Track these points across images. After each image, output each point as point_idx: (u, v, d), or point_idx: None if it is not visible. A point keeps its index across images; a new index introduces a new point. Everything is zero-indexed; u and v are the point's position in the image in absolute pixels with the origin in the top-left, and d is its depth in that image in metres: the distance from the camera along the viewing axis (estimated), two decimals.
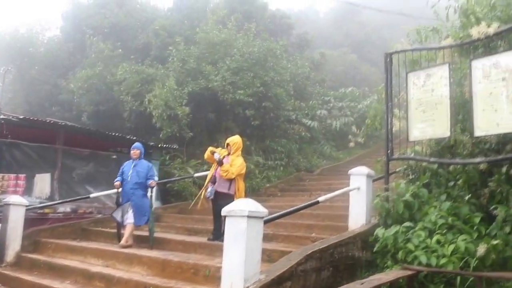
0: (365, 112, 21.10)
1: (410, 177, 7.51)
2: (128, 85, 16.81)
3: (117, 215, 8.67)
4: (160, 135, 15.06)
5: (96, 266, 7.48)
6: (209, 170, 9.28)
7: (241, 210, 4.81)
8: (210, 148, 8.60)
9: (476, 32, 5.88)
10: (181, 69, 16.75)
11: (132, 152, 8.98)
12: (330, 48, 33.36)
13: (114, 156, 13.26)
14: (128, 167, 8.91)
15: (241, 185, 8.39)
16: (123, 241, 8.27)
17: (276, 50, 18.67)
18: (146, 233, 8.70)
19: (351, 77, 30.83)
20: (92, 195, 10.54)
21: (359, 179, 7.46)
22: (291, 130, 19.28)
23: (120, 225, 8.71)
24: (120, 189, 8.85)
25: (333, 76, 28.34)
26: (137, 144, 9.22)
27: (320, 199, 7.33)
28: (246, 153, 12.87)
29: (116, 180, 8.88)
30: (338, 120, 21.53)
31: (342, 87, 25.19)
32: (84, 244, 8.83)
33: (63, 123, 13.44)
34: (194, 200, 8.97)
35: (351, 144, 21.08)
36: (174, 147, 14.99)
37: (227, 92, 15.96)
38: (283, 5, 42.25)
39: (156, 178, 10.42)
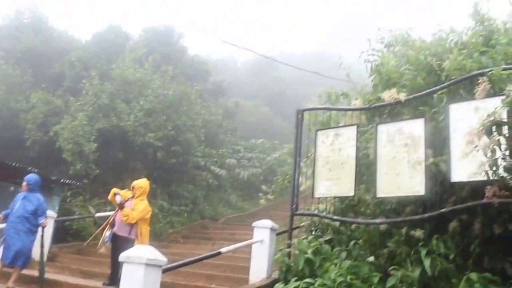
0: (273, 165, 21.43)
1: (314, 232, 7.58)
2: (35, 114, 16.06)
3: None
4: (69, 171, 14.42)
5: None
6: (113, 210, 8.90)
7: (139, 257, 4.58)
8: (114, 190, 8.26)
9: (385, 97, 6.14)
10: (93, 104, 16.27)
11: (23, 183, 8.35)
12: (245, 98, 33.90)
13: (12, 188, 12.43)
14: (18, 199, 8.23)
15: (144, 229, 8.06)
16: (9, 283, 7.56)
17: (191, 94, 18.69)
18: (37, 273, 8.06)
19: (263, 128, 31.37)
20: None
21: (262, 232, 7.44)
22: (199, 176, 19.13)
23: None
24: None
25: (245, 126, 28.70)
26: (29, 175, 8.49)
27: (223, 250, 7.20)
28: (151, 196, 12.53)
29: (3, 212, 8.15)
30: (246, 171, 21.66)
31: (254, 138, 25.52)
32: None
33: None
34: (89, 240, 8.52)
35: (262, 201, 21.20)
36: (78, 183, 14.34)
37: (138, 134, 15.67)
38: (203, 51, 42.83)
39: (50, 213, 9.76)
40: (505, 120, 3.96)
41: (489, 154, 4.06)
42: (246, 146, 23.78)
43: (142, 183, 8.37)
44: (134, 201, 8.10)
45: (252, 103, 34.70)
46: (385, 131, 6.03)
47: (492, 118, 3.98)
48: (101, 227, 8.27)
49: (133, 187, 8.30)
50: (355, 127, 6.58)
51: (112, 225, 8.05)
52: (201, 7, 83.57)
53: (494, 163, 4.09)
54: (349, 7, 77.34)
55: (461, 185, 5.05)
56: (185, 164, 17.99)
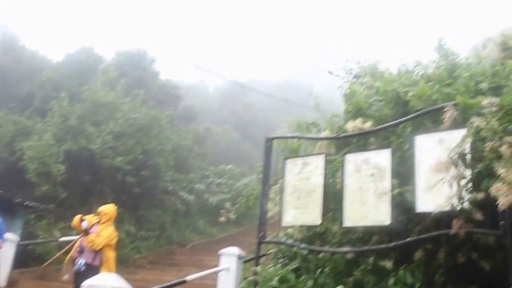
0: (242, 191, 21.39)
1: (281, 260, 7.55)
2: (1, 134, 15.77)
3: None
4: (35, 192, 14.12)
5: None
6: (79, 234, 8.73)
7: (104, 285, 4.49)
8: (79, 216, 8.11)
9: (352, 126, 6.25)
10: (62, 125, 16.06)
11: None
12: (215, 124, 33.93)
13: None
14: None
15: (110, 256, 7.91)
16: None
17: (161, 119, 18.64)
18: None
19: (232, 154, 31.36)
20: None
21: (229, 259, 7.39)
22: (167, 201, 18.99)
23: None
24: None
25: (215, 151, 28.66)
26: None
27: (188, 278, 7.11)
28: (118, 221, 12.32)
29: None
30: (215, 196, 21.59)
31: (223, 163, 25.51)
32: None
33: None
34: (47, 263, 8.31)
35: (222, 219, 21.05)
36: (42, 206, 14.05)
37: (106, 157, 15.51)
38: (175, 76, 42.84)
39: (11, 236, 9.52)
40: (469, 152, 4.07)
41: (455, 187, 4.16)
42: (216, 171, 23.76)
43: (109, 209, 8.25)
44: (100, 227, 7.96)
45: (222, 128, 34.73)
46: (352, 160, 6.10)
47: (458, 151, 4.08)
48: (62, 251, 8.09)
49: (99, 212, 8.17)
50: (323, 156, 6.63)
51: (80, 251, 7.88)
52: (174, 33, 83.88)
53: (459, 196, 4.18)
54: (319, 36, 78.70)
55: (426, 214, 5.13)
56: (154, 188, 17.85)
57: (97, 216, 8.16)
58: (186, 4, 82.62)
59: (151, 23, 78.54)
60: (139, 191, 16.82)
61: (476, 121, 4.02)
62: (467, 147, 4.16)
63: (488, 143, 3.93)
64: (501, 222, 4.22)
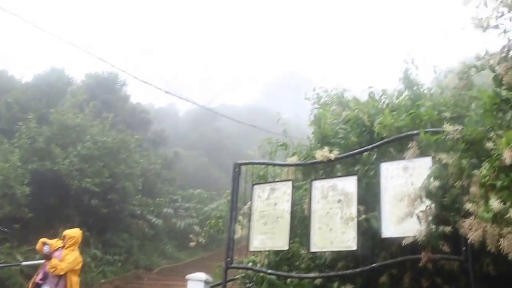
0: (210, 215, 21.32)
1: (248, 285, 7.56)
2: None
3: None
4: None
5: None
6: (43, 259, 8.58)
7: None
8: (42, 240, 7.98)
9: (319, 154, 6.36)
10: (29, 147, 15.83)
11: None
12: (185, 148, 33.86)
13: None
14: None
15: (74, 281, 7.78)
16: None
17: (130, 143, 18.55)
18: None
19: (201, 179, 31.26)
20: None
21: (196, 285, 7.39)
22: (134, 225, 18.80)
23: None
24: None
25: (184, 175, 28.55)
26: None
27: None
28: (84, 244, 12.18)
29: None
30: (183, 221, 21.47)
31: (192, 187, 25.42)
32: None
33: None
34: None
35: (192, 244, 20.90)
36: (4, 229, 13.73)
37: (73, 178, 15.32)
38: (145, 99, 42.64)
39: None
40: (435, 188, 4.21)
41: (422, 221, 4.29)
42: (184, 195, 23.65)
43: (74, 233, 8.14)
44: (64, 251, 7.84)
45: (191, 153, 34.67)
46: (319, 187, 6.20)
47: (424, 187, 4.23)
48: (31, 282, 7.92)
49: (64, 237, 8.05)
50: (290, 182, 6.72)
51: (45, 277, 7.73)
52: (146, 56, 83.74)
53: (426, 229, 4.30)
54: (288, 63, 79.72)
55: (391, 240, 5.24)
56: (121, 212, 17.67)
57: (62, 240, 8.04)
58: (158, 28, 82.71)
59: (123, 45, 78.35)
60: (106, 214, 16.61)
61: (441, 157, 4.16)
62: (432, 182, 4.29)
63: (457, 181, 4.06)
64: (463, 248, 4.35)
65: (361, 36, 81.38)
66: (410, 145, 4.81)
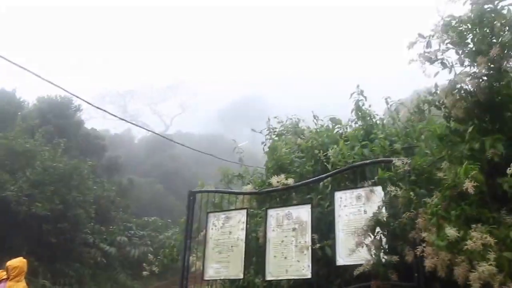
0: (165, 243, 21.04)
1: None
2: None
3: None
4: None
5: None
6: None
7: None
8: None
9: (275, 181, 6.42)
10: None
11: None
12: (140, 175, 33.51)
13: None
14: None
15: None
16: None
17: (83, 169, 18.24)
18: None
19: (157, 206, 30.90)
20: None
21: None
22: (86, 254, 18.33)
23: None
24: None
25: (139, 203, 28.17)
26: None
27: None
28: (32, 274, 11.81)
29: None
30: (137, 249, 21.09)
31: (147, 215, 25.09)
32: None
33: None
34: None
35: (145, 273, 20.49)
36: None
37: (21, 204, 14.89)
38: (100, 125, 42.03)
39: None
40: (385, 217, 4.32)
41: (372, 251, 4.37)
42: (138, 223, 23.28)
43: (17, 263, 7.80)
44: (8, 283, 7.52)
45: (147, 179, 34.32)
46: (275, 215, 6.24)
47: (375, 218, 4.33)
48: None
49: (7, 268, 7.74)
50: (245, 211, 6.73)
51: None
52: (101, 80, 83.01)
53: (377, 259, 4.38)
54: (243, 90, 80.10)
55: (346, 267, 5.30)
56: (73, 240, 17.23)
57: (5, 272, 7.72)
58: (115, 54, 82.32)
59: (77, 70, 77.42)
60: (57, 242, 16.17)
61: (390, 188, 4.27)
62: (382, 211, 4.40)
63: (406, 211, 4.17)
64: (415, 274, 4.45)
65: (317, 65, 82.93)
66: (362, 174, 4.94)
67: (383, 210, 4.40)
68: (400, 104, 5.80)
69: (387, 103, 6.71)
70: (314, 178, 6.19)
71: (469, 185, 3.57)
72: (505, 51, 3.84)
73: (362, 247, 4.38)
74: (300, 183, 6.31)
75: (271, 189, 6.55)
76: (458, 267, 3.53)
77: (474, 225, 3.59)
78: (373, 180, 4.86)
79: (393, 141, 5.58)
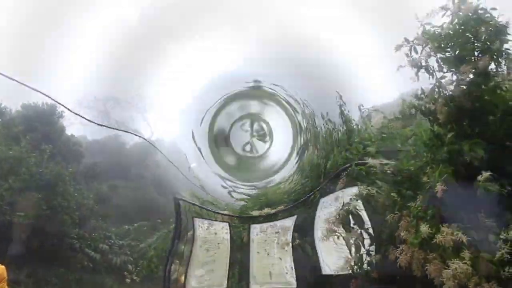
0: (146, 252, 20.86)
1: None
2: None
3: None
4: None
5: None
6: None
7: None
8: None
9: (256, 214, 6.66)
10: None
11: None
12: (126, 180, 33.13)
13: None
14: None
15: None
16: None
17: (65, 176, 18.14)
18: None
19: (147, 209, 30.31)
20: None
21: None
22: (73, 259, 18.16)
23: None
24: None
25: (120, 210, 27.65)
26: None
27: None
28: (14, 282, 11.69)
29: None
30: (118, 257, 20.89)
31: (134, 219, 24.71)
32: None
33: None
34: None
35: (127, 280, 20.35)
36: None
37: (3, 213, 14.75)
38: (79, 131, 41.40)
39: None
40: (361, 210, 4.41)
41: (353, 250, 4.45)
42: (118, 232, 22.98)
43: None
44: None
45: (134, 183, 33.93)
46: (258, 227, 6.53)
47: (346, 208, 4.40)
48: None
49: None
50: (227, 223, 6.92)
51: None
52: (83, 85, 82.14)
53: (359, 259, 4.45)
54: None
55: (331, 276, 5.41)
56: (59, 245, 17.08)
57: None
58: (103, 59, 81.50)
59: (58, 75, 76.43)
60: (40, 248, 16.02)
61: (366, 188, 4.35)
62: (359, 206, 4.48)
63: (389, 214, 4.24)
64: (397, 277, 4.50)
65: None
66: (341, 176, 5.06)
67: (357, 202, 4.48)
68: (374, 111, 5.93)
69: (360, 110, 6.87)
70: (297, 202, 6.42)
71: (439, 188, 3.65)
72: (494, 58, 3.90)
73: (333, 234, 4.41)
74: (287, 207, 6.51)
75: (254, 216, 6.74)
76: (430, 263, 3.60)
77: (447, 224, 3.66)
78: (350, 182, 4.97)
79: (366, 145, 5.75)
